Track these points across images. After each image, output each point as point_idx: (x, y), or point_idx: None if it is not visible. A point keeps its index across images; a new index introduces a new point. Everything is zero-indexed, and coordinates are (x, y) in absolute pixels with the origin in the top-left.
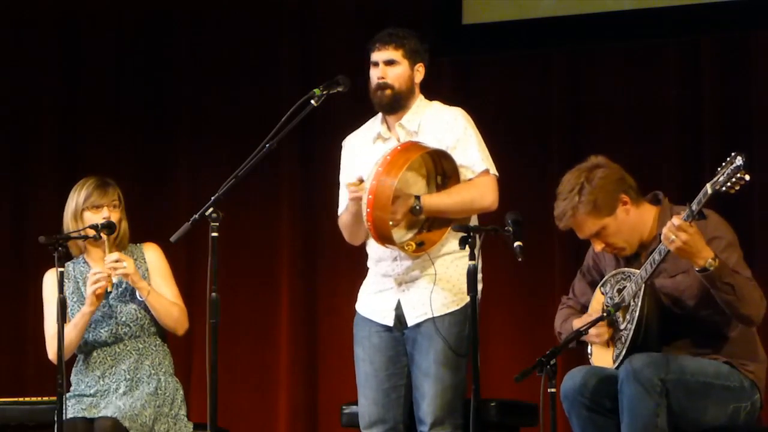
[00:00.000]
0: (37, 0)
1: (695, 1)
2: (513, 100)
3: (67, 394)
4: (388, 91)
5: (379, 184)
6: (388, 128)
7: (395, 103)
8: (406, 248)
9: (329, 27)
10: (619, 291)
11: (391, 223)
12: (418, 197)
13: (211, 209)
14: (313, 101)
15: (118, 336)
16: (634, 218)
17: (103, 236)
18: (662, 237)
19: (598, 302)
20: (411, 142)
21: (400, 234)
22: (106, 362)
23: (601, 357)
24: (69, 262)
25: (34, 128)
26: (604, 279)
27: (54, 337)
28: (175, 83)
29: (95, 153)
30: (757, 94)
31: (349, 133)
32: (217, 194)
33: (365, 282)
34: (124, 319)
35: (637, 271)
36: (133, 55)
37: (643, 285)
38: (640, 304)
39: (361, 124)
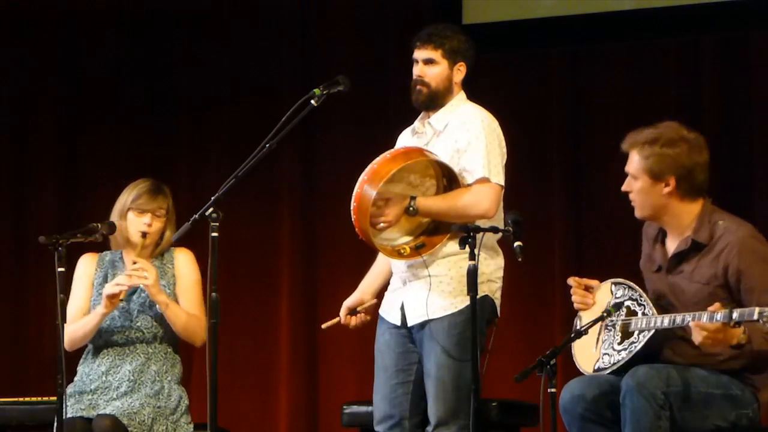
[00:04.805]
0: (37, 0)
1: (695, 1)
2: (513, 100)
3: (68, 390)
4: (424, 89)
5: (363, 192)
6: (423, 123)
7: (430, 102)
8: (401, 251)
9: (329, 27)
10: (628, 311)
11: (381, 225)
12: (413, 198)
13: (211, 209)
14: (313, 101)
15: (130, 339)
16: (663, 202)
17: (139, 240)
18: (692, 326)
19: (604, 294)
20: (402, 150)
21: (394, 236)
22: (114, 360)
23: (582, 350)
24: (107, 252)
25: (34, 128)
26: (620, 280)
27: (71, 325)
28: (176, 83)
29: (95, 153)
30: (757, 94)
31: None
32: (217, 194)
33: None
34: (139, 324)
35: (654, 310)
36: (133, 55)
37: (654, 331)
38: (643, 343)
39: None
